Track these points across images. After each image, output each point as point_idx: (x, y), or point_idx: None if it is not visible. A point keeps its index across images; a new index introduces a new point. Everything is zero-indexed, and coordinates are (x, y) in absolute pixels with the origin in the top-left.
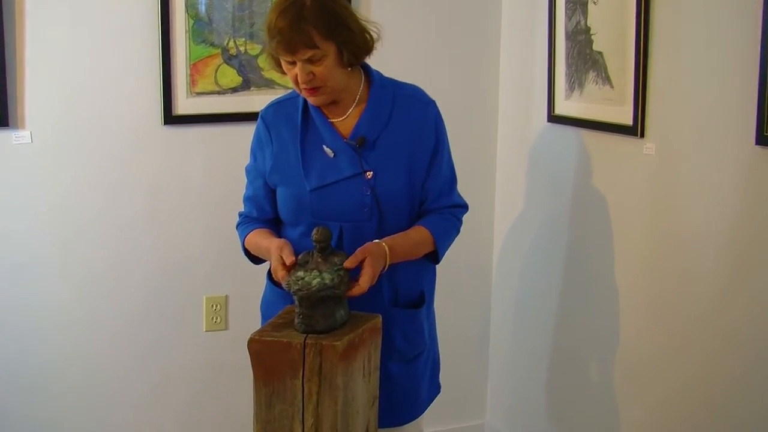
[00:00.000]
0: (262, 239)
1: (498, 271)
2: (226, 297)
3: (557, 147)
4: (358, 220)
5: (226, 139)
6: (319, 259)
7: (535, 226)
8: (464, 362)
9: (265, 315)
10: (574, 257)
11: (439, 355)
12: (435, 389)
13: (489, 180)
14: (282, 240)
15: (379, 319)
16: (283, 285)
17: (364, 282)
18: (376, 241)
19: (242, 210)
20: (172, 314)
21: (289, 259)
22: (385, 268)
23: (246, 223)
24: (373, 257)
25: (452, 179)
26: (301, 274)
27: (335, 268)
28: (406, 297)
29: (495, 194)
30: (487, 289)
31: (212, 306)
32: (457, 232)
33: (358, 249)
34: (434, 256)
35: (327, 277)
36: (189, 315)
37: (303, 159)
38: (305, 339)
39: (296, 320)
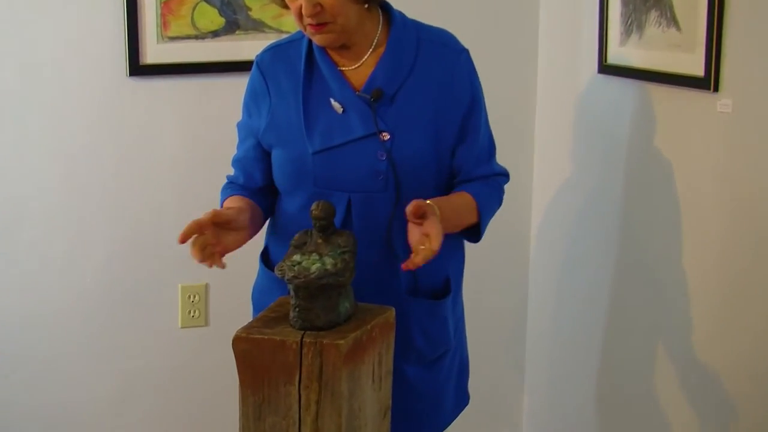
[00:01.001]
0: (231, 204)
1: (536, 254)
2: (206, 286)
3: (609, 103)
4: (371, 190)
5: (206, 94)
6: (320, 240)
7: (581, 200)
8: (497, 365)
9: (259, 306)
10: (630, 239)
11: (467, 356)
12: (462, 398)
13: (526, 144)
14: (233, 209)
15: (393, 312)
16: (276, 271)
17: (436, 242)
18: (428, 202)
19: (230, 175)
20: (139, 307)
21: (206, 216)
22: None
23: (228, 188)
24: (432, 212)
25: (491, 145)
26: (297, 257)
27: (339, 251)
28: (428, 285)
29: (533, 161)
30: (522, 276)
31: (189, 297)
32: (500, 203)
33: (417, 201)
34: (475, 231)
35: (329, 262)
36: (161, 308)
37: (305, 115)
38: (302, 337)
39: (292, 314)
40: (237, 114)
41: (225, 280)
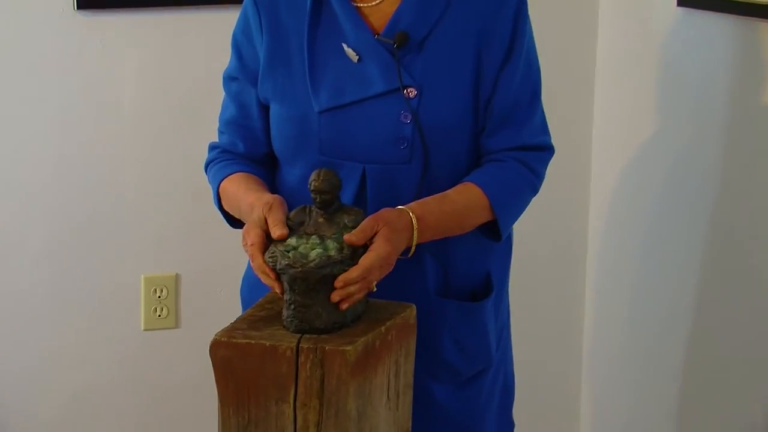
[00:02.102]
0: (245, 191)
1: (596, 247)
2: (176, 277)
3: (692, 45)
4: (391, 161)
5: (179, 33)
6: (321, 219)
7: (656, 173)
8: (547, 385)
9: (249, 305)
10: (726, 228)
11: (513, 374)
12: (506, 427)
13: (582, 102)
14: (273, 197)
15: (413, 311)
16: (265, 258)
17: (364, 264)
18: (400, 207)
19: (217, 141)
20: (92, 304)
21: (278, 232)
22: (411, 252)
23: (223, 161)
24: (391, 229)
25: (532, 101)
26: (292, 241)
27: (345, 233)
28: (463, 283)
29: (592, 126)
30: (579, 270)
31: (154, 291)
32: (533, 190)
33: (369, 217)
34: (494, 230)
35: (332, 247)
36: (119, 305)
37: (311, 63)
38: (299, 341)
39: (285, 312)
40: (220, 59)
41: (201, 269)
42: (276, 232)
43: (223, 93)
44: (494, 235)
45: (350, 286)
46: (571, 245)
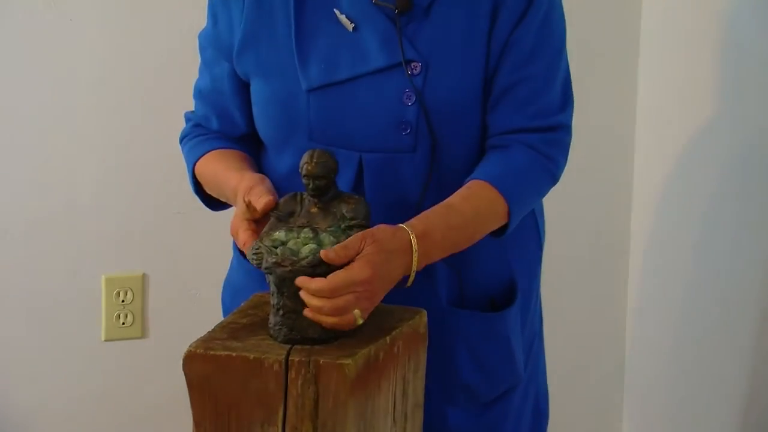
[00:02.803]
0: (225, 170)
1: (640, 247)
2: (143, 278)
3: (762, 17)
4: (392, 149)
5: None
6: (314, 209)
7: (712, 166)
8: (585, 401)
9: (231, 310)
10: None
11: (546, 393)
12: None
13: (626, 78)
14: (257, 175)
15: (423, 317)
16: (248, 256)
17: (331, 283)
18: (400, 225)
19: (192, 112)
20: (42, 311)
21: (263, 200)
22: (410, 281)
23: (197, 136)
24: (379, 250)
25: (548, 72)
26: (281, 235)
27: (343, 225)
28: (481, 289)
29: (635, 109)
30: (620, 272)
31: (117, 294)
32: (552, 179)
33: (358, 234)
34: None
35: (328, 241)
36: (74, 311)
37: (298, 32)
38: (288, 354)
39: (273, 319)
40: (194, 26)
41: (173, 268)
42: (261, 202)
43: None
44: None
45: (315, 299)
46: (612, 245)
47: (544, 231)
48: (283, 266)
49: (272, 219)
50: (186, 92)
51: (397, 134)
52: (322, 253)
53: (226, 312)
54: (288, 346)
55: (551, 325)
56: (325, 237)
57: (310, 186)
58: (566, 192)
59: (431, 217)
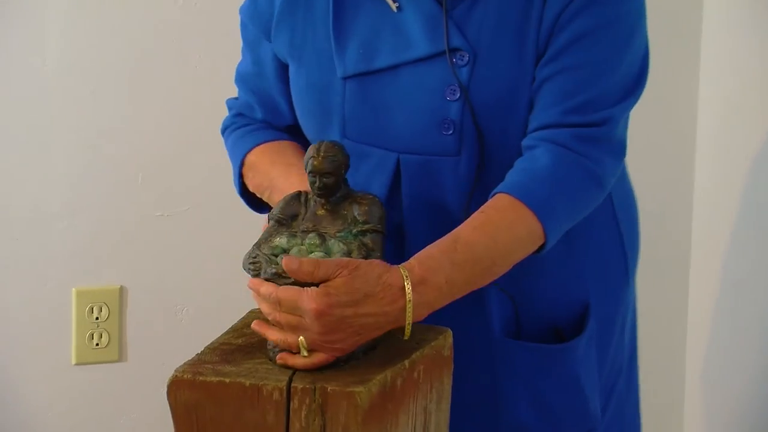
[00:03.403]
0: (282, 169)
1: (702, 247)
2: (121, 290)
3: None
4: (433, 152)
5: None
6: (322, 211)
7: None
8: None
9: None
10: None
11: None
12: None
13: (688, 75)
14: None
15: (449, 338)
16: (245, 264)
17: (278, 292)
18: (399, 267)
19: (234, 99)
20: (2, 329)
21: None
22: (406, 334)
23: (241, 126)
24: (351, 286)
25: (608, 58)
26: (282, 241)
27: (354, 230)
28: (544, 316)
29: (698, 103)
30: (680, 278)
31: (90, 310)
32: (599, 185)
33: (338, 259)
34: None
35: (337, 249)
36: (41, 330)
37: (337, 10)
38: (291, 379)
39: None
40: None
41: (154, 280)
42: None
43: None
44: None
45: (265, 303)
46: (671, 254)
47: (634, 247)
48: (284, 278)
49: (272, 223)
50: (167, 76)
51: (438, 134)
52: (284, 259)
53: None
54: (290, 371)
55: None
56: (334, 244)
57: (317, 184)
58: None
59: (435, 255)
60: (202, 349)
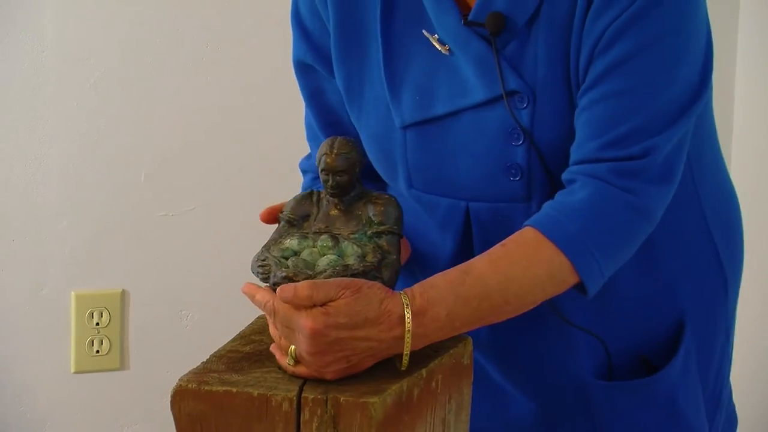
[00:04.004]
0: None
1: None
2: (122, 295)
3: None
4: (502, 198)
5: None
6: (335, 211)
7: None
8: None
9: None
10: None
11: None
12: None
13: (723, 87)
14: None
15: (469, 346)
16: (253, 267)
17: (272, 299)
18: (400, 294)
19: (306, 161)
20: (0, 336)
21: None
22: (403, 364)
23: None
24: (351, 308)
25: (653, 81)
26: (292, 243)
27: (369, 231)
28: (635, 346)
29: (734, 114)
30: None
31: (91, 315)
32: (641, 215)
33: (338, 280)
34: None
35: (350, 252)
36: (38, 336)
37: (387, 56)
38: (301, 389)
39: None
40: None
41: (158, 284)
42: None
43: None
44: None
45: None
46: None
47: (734, 255)
48: (295, 281)
49: (282, 223)
50: (171, 69)
51: (506, 180)
52: (278, 290)
53: None
54: (301, 380)
55: None
56: (348, 246)
57: (330, 183)
58: None
59: (440, 285)
60: (208, 356)
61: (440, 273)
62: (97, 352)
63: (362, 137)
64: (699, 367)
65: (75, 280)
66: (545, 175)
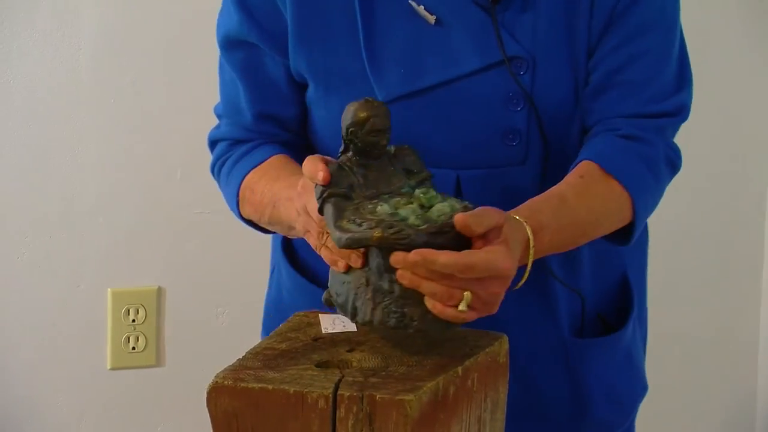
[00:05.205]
0: (277, 180)
1: None
2: (158, 292)
3: None
4: (496, 164)
5: None
6: (373, 173)
7: None
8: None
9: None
10: None
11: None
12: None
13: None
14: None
15: (504, 344)
16: (385, 236)
17: (467, 259)
18: (513, 213)
19: (217, 131)
20: (36, 333)
21: (321, 174)
22: (521, 281)
23: (236, 152)
24: (513, 239)
25: (665, 46)
26: (385, 208)
27: (412, 182)
28: (596, 305)
29: None
30: (752, 286)
31: (127, 312)
32: (674, 169)
33: (486, 208)
34: (626, 232)
35: (449, 207)
36: (74, 333)
37: (367, 31)
38: (337, 386)
39: (371, 313)
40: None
41: (193, 280)
42: (320, 175)
43: (221, 63)
44: (621, 239)
45: (426, 282)
46: (743, 259)
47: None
48: (405, 240)
49: (333, 200)
50: (207, 64)
51: (502, 145)
52: (457, 217)
53: (267, 329)
54: (337, 378)
55: (671, 346)
56: (444, 203)
57: (372, 141)
58: (695, 200)
59: (544, 210)
60: (244, 353)
61: (538, 199)
62: (133, 348)
63: (323, 114)
64: (639, 321)
65: (111, 276)
66: (542, 138)
